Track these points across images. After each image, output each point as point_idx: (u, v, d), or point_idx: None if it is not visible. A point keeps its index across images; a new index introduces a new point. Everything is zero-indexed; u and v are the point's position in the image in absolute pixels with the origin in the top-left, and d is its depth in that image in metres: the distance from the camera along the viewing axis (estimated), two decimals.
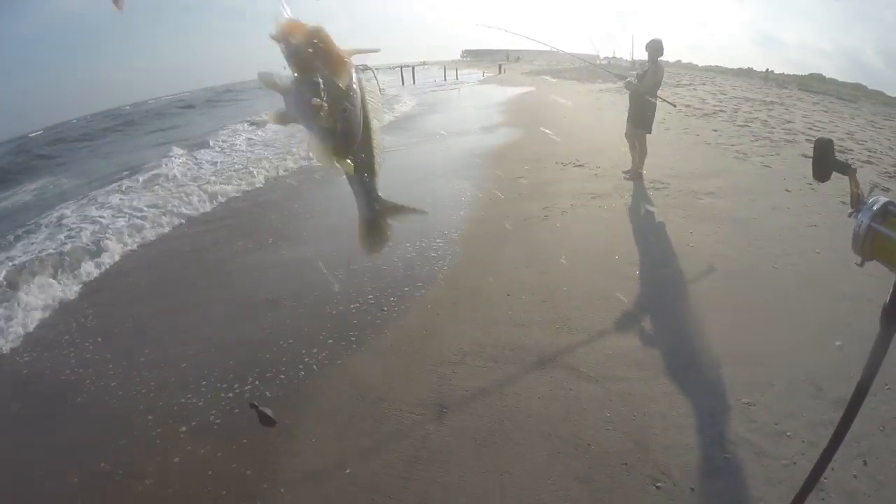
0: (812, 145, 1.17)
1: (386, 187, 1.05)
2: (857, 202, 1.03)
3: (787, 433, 2.45)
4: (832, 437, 1.18)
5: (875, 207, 0.99)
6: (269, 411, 2.44)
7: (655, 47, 6.39)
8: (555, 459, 2.45)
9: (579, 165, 7.71)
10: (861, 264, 1.04)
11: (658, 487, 2.24)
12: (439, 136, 11.72)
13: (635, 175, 6.81)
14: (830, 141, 1.11)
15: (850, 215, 1.06)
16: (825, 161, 1.11)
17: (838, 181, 1.18)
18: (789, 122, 10.99)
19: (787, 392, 2.73)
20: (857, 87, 26.42)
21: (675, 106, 9.63)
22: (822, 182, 1.16)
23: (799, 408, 2.60)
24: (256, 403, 2.48)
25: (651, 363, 3.08)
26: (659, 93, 6.68)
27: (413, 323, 3.75)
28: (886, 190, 5.84)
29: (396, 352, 3.44)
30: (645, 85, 6.51)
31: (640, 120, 6.67)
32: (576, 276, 4.18)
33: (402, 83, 34.19)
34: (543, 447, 2.53)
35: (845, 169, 1.09)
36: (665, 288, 3.98)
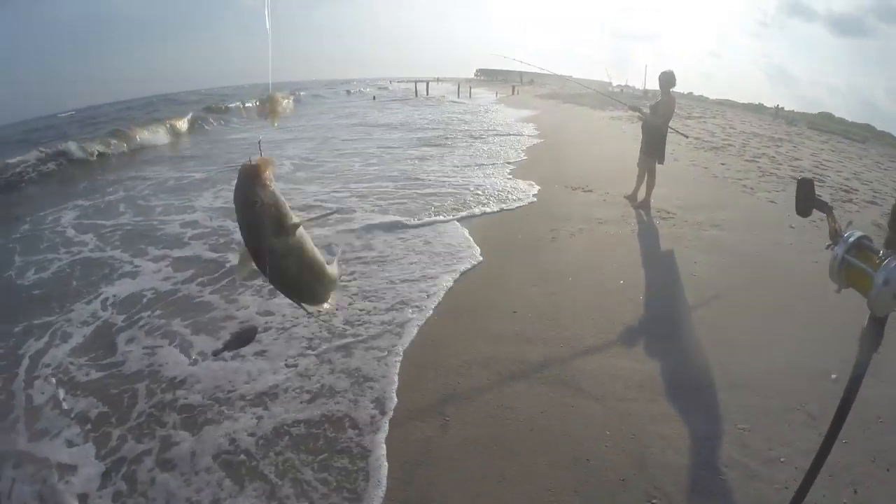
0: (808, 182, 1.28)
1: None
2: (835, 236, 1.15)
3: (781, 459, 2.54)
4: (817, 453, 1.27)
5: (850, 240, 1.11)
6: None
7: (667, 79, 6.54)
8: (553, 471, 2.54)
9: (588, 191, 7.84)
10: (838, 291, 1.15)
11: None
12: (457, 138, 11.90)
13: (640, 202, 6.95)
14: (811, 181, 1.24)
15: (827, 247, 1.17)
16: (807, 198, 1.23)
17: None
18: (797, 159, 11.15)
19: (781, 420, 2.82)
20: (867, 128, 26.67)
21: (686, 137, 9.79)
22: (804, 217, 1.27)
23: (792, 435, 2.69)
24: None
25: (651, 385, 3.17)
26: (671, 124, 6.83)
27: (421, 332, 3.86)
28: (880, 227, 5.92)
29: (405, 358, 3.55)
30: (657, 116, 6.67)
31: (653, 150, 6.82)
32: (581, 298, 4.29)
33: (416, 94, 34.67)
34: (543, 459, 2.62)
35: (823, 206, 1.22)
36: (667, 313, 4.08)
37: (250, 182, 1.05)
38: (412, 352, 3.62)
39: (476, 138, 14.10)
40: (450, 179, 8.89)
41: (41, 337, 4.05)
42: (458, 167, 10.00)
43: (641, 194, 7.07)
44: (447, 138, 14.23)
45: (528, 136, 14.22)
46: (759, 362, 3.34)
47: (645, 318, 4.02)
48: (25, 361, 3.74)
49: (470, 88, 37.07)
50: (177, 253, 5.73)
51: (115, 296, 4.73)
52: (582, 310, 4.10)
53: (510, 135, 14.50)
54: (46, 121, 25.20)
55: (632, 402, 3.01)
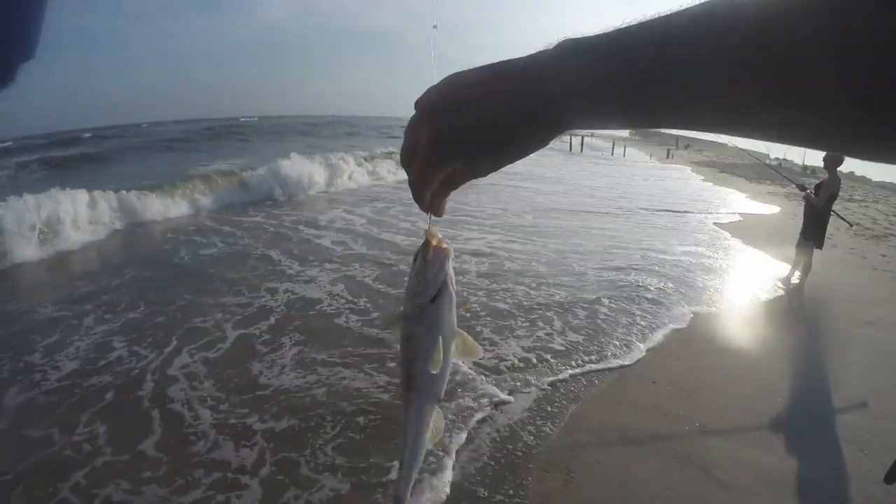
0: None
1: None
2: None
3: None
4: None
5: None
6: None
7: (835, 157, 6.18)
8: None
9: None
10: None
11: None
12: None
13: (793, 286, 6.60)
14: None
15: None
16: None
17: None
18: None
19: None
20: None
21: (851, 226, 9.11)
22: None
23: None
24: None
25: (782, 482, 3.09)
26: (834, 207, 6.48)
27: (554, 385, 4.04)
28: None
29: (540, 411, 3.74)
30: (821, 197, 6.36)
31: (813, 233, 6.51)
32: (722, 378, 4.24)
33: (570, 149, 34.73)
34: None
35: None
36: (808, 410, 3.90)
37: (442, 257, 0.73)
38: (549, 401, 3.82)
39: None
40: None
41: None
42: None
43: (795, 278, 6.73)
44: None
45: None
46: None
47: (784, 410, 3.88)
48: None
49: (625, 147, 36.59)
50: None
51: None
52: (721, 390, 4.06)
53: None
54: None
55: (759, 497, 2.96)
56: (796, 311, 6.01)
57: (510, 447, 3.29)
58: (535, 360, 4.36)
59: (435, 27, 0.75)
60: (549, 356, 4.44)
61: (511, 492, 2.92)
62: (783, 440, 3.52)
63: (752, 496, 2.97)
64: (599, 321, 5.24)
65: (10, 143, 28.44)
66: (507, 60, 0.48)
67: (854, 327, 5.57)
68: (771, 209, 13.87)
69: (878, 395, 4.13)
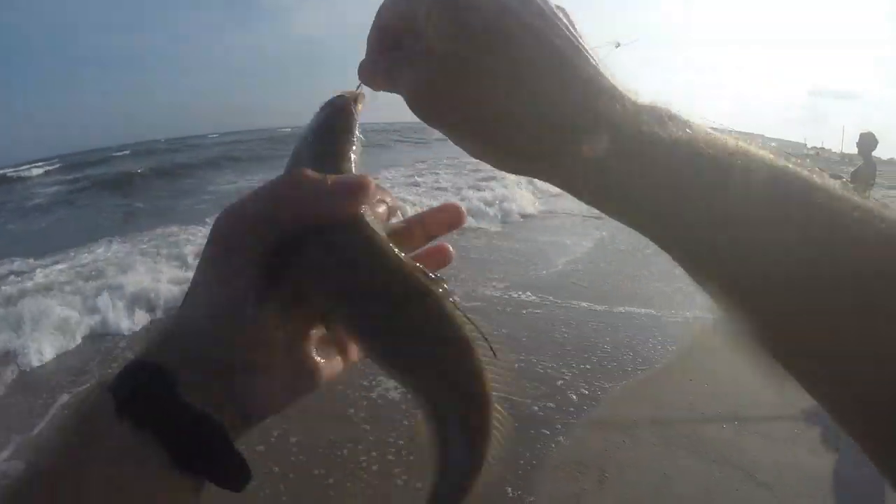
0: None
1: None
2: None
3: None
4: None
5: None
6: None
7: (868, 142, 5.93)
8: None
9: None
10: None
11: None
12: None
13: None
14: None
15: None
16: None
17: None
18: None
19: None
20: None
21: None
22: None
23: None
24: None
25: (825, 483, 2.98)
26: (874, 195, 6.19)
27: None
28: None
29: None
30: (857, 185, 6.09)
31: None
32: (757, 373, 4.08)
33: None
34: None
35: None
36: None
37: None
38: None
39: None
40: None
41: None
42: None
43: None
44: None
45: None
46: None
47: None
48: None
49: None
50: None
51: None
52: (761, 387, 3.90)
53: None
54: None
55: (802, 499, 2.86)
56: None
57: (540, 445, 3.23)
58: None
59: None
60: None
61: (542, 492, 2.86)
62: (824, 437, 3.35)
63: (792, 497, 2.87)
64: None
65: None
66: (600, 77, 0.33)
67: None
68: None
69: None
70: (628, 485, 2.95)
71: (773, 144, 0.34)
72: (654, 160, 0.31)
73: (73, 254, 7.68)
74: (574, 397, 3.81)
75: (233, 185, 15.68)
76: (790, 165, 0.31)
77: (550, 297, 5.62)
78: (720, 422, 3.52)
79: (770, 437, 3.37)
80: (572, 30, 0.33)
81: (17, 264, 7.24)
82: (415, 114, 0.35)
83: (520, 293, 5.71)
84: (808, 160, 0.41)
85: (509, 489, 2.90)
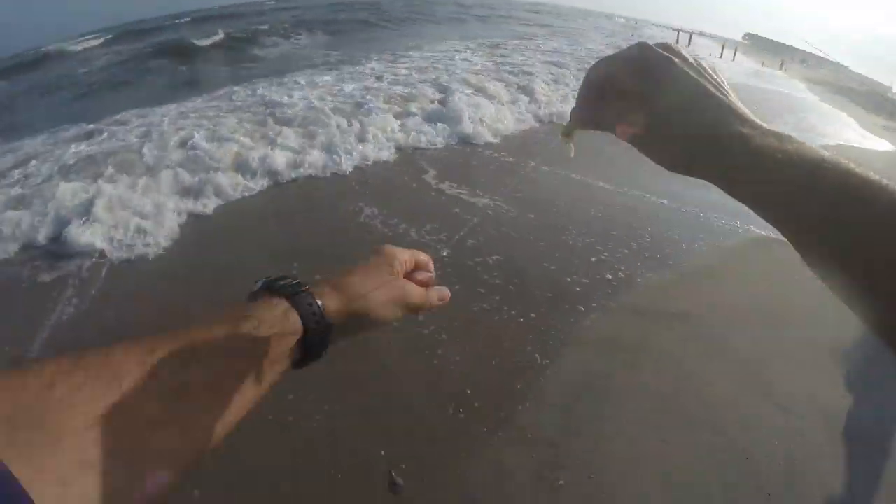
0: None
1: None
2: None
3: None
4: None
5: None
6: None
7: None
8: (712, 452, 2.62)
9: None
10: None
11: None
12: None
13: None
14: None
15: None
16: None
17: None
18: None
19: None
20: None
21: None
22: None
23: None
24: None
25: (833, 416, 2.96)
26: None
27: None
28: None
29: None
30: None
31: None
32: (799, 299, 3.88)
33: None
34: (706, 428, 2.71)
35: None
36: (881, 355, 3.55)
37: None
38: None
39: None
40: None
41: None
42: None
43: None
44: None
45: None
46: None
47: (854, 346, 3.49)
48: None
49: (735, 51, 32.14)
50: None
51: None
52: (799, 310, 3.75)
53: None
54: None
55: (808, 421, 2.88)
56: None
57: (573, 320, 3.17)
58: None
59: None
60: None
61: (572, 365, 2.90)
62: (845, 374, 3.31)
63: (801, 420, 2.88)
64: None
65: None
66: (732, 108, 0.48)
67: None
68: (881, 144, 12.24)
69: None
70: (651, 373, 2.97)
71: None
72: (774, 167, 0.44)
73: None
74: (610, 278, 3.74)
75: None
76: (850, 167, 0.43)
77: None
78: (752, 332, 3.49)
79: (795, 361, 3.32)
80: (715, 75, 0.49)
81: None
82: (621, 138, 0.52)
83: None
84: None
85: (538, 356, 2.90)
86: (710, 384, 3.01)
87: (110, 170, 5.17)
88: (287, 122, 6.73)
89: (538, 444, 2.56)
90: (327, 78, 9.71)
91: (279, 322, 0.47)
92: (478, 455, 2.48)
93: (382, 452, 2.45)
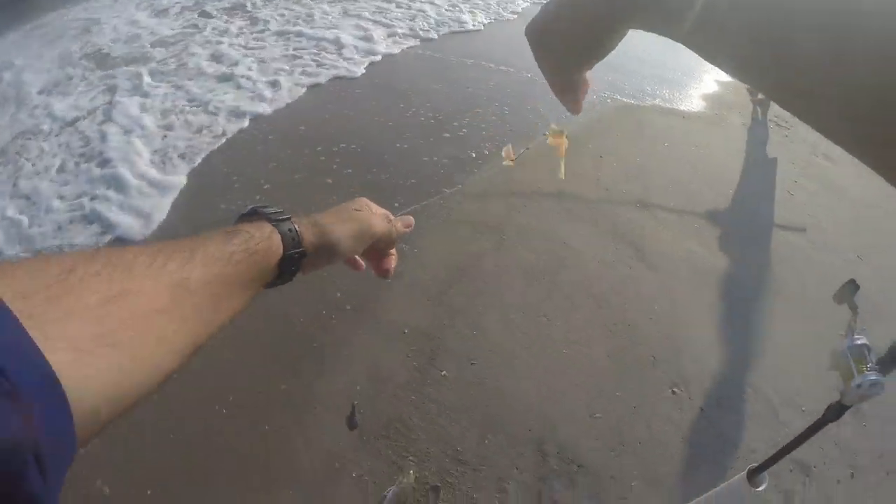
0: None
1: None
2: (848, 333, 1.33)
3: (802, 408, 2.50)
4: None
5: (855, 343, 1.27)
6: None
7: None
8: (593, 323, 2.51)
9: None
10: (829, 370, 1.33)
11: (673, 392, 2.33)
12: None
13: (760, 98, 6.07)
14: (857, 286, 1.44)
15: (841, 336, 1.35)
16: (844, 295, 1.45)
17: None
18: None
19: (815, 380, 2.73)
20: None
21: None
22: (836, 304, 1.50)
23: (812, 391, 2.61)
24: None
25: (711, 277, 3.01)
26: None
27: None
28: None
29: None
30: None
31: None
32: (671, 178, 3.95)
33: None
34: (588, 307, 2.59)
35: (853, 308, 1.41)
36: (750, 219, 3.67)
37: None
38: None
39: None
40: None
41: None
42: None
43: None
44: None
45: None
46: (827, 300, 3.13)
47: (726, 211, 3.69)
48: None
49: None
50: None
51: None
52: (671, 184, 3.78)
53: None
54: None
55: (685, 286, 2.88)
56: (758, 123, 5.60)
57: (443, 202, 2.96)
58: None
59: None
60: None
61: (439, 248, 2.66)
62: (721, 239, 3.37)
63: (678, 283, 2.89)
64: None
65: None
66: None
67: (813, 156, 5.33)
68: None
69: (817, 226, 4.02)
70: (525, 248, 2.81)
71: None
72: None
73: None
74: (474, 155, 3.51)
75: None
76: None
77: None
78: (625, 203, 3.40)
79: (669, 226, 3.32)
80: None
81: None
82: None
83: None
84: None
85: (405, 246, 2.68)
86: (582, 255, 2.90)
87: None
88: None
89: (416, 337, 2.45)
90: None
91: (265, 240, 0.52)
92: (358, 359, 2.35)
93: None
